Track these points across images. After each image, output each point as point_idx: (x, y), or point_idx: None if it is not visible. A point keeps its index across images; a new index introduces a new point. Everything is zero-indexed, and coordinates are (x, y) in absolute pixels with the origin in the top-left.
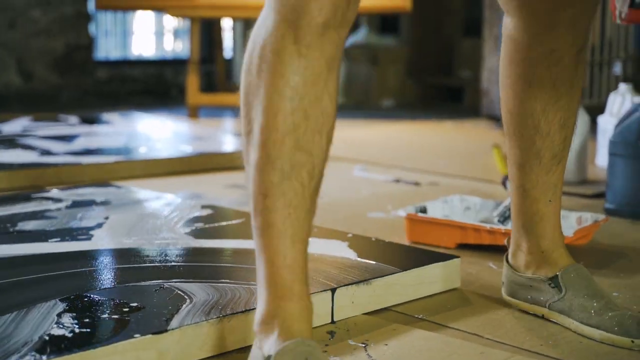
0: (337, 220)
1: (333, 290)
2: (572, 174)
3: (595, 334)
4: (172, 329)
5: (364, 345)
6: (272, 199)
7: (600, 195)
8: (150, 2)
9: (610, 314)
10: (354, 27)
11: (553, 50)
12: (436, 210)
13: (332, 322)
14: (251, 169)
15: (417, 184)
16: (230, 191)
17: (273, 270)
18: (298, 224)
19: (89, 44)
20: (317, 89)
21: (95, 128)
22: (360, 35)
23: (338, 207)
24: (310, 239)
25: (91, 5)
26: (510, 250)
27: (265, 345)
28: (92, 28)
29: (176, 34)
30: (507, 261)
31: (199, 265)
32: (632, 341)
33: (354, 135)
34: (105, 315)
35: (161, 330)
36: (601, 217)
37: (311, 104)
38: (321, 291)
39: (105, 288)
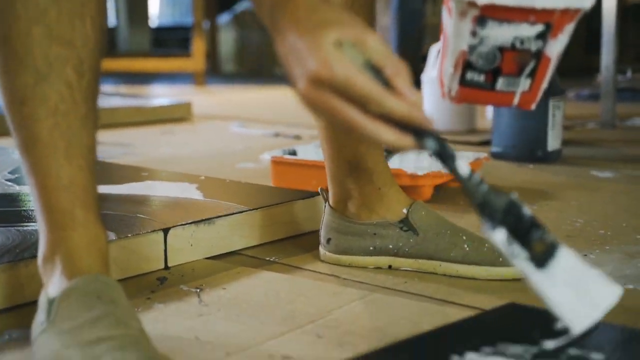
0: (199, 173)
1: (165, 231)
2: (460, 123)
3: (478, 271)
4: None
5: (197, 290)
6: (31, 106)
7: (487, 143)
8: None
9: (487, 246)
10: None
11: None
12: (308, 154)
13: (166, 268)
14: None
15: (297, 137)
16: None
17: (47, 194)
18: (71, 135)
19: None
20: None
21: None
22: None
23: (204, 160)
24: (152, 183)
25: None
26: (333, 199)
27: (50, 286)
28: None
29: None
30: (333, 211)
31: (11, 210)
32: None
33: (238, 98)
34: None
35: None
36: (482, 155)
37: None
38: (150, 232)
39: None
